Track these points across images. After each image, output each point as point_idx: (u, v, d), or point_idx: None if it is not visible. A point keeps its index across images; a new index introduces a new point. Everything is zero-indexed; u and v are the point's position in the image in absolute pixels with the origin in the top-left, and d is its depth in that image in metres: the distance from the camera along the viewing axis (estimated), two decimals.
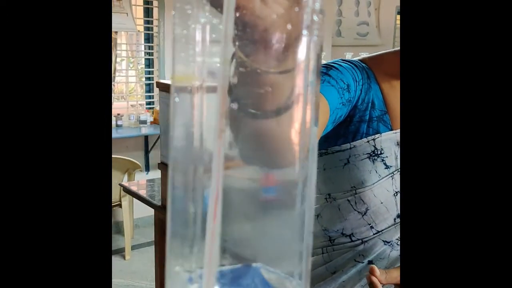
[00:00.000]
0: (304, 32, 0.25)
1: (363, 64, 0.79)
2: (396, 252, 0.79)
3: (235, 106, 0.28)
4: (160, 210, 2.05)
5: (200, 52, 0.28)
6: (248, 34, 0.29)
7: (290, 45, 0.27)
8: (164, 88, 1.93)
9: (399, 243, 0.78)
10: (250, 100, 0.31)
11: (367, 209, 0.77)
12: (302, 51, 0.26)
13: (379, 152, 0.77)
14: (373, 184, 0.76)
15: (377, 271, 0.68)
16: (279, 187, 0.31)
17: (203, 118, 0.27)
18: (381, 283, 0.68)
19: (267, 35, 0.28)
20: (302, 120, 0.27)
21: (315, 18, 0.25)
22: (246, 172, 0.32)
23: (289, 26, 0.27)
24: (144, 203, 2.12)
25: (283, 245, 0.29)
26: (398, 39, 5.23)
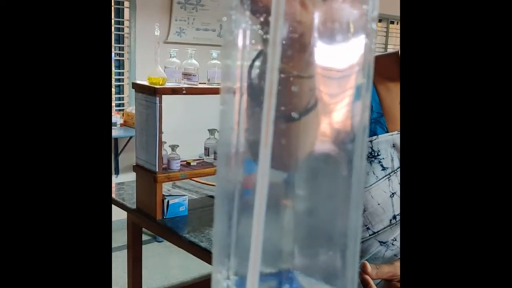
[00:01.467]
0: (366, 40, 0.25)
1: None
2: (390, 252, 0.80)
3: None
4: (134, 213, 2.01)
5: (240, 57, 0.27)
6: (287, 39, 0.28)
7: (316, 50, 0.27)
8: (141, 90, 1.90)
9: (394, 243, 0.80)
10: (283, 104, 0.30)
11: (364, 211, 0.78)
12: (359, 55, 0.26)
13: (376, 154, 0.78)
14: (371, 185, 0.77)
15: (369, 267, 0.69)
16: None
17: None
18: (372, 278, 0.69)
19: (304, 40, 0.27)
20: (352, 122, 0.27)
21: (374, 26, 0.26)
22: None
23: (321, 32, 0.27)
24: (117, 206, 2.08)
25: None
26: (378, 45, 5.32)
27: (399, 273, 0.71)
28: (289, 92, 0.28)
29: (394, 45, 5.49)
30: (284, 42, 0.27)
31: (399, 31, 5.60)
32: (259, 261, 0.22)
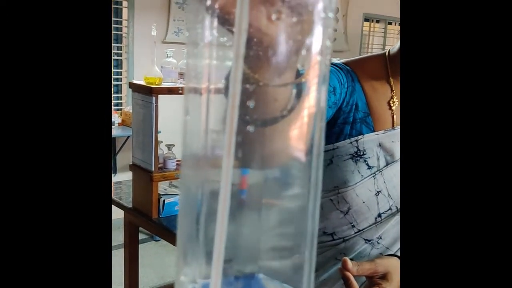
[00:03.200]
0: (318, 57, 0.26)
1: (347, 67, 0.81)
2: (376, 250, 0.81)
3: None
4: (131, 212, 2.03)
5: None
6: (253, 49, 0.29)
7: (292, 60, 0.28)
8: (137, 89, 1.91)
9: (379, 241, 0.81)
10: (250, 112, 0.31)
11: (349, 209, 0.79)
12: (314, 72, 0.27)
13: (361, 153, 0.79)
14: (356, 184, 0.78)
15: (350, 263, 0.69)
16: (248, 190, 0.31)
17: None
18: (353, 275, 0.69)
19: (271, 51, 0.28)
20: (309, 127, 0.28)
21: (328, 43, 0.26)
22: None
23: (291, 42, 0.28)
24: (114, 205, 2.09)
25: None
26: (364, 45, 5.34)
27: (380, 270, 0.71)
28: (253, 102, 0.29)
29: (392, 46, 5.49)
30: (250, 52, 0.28)
31: (396, 32, 5.60)
32: (222, 264, 0.23)
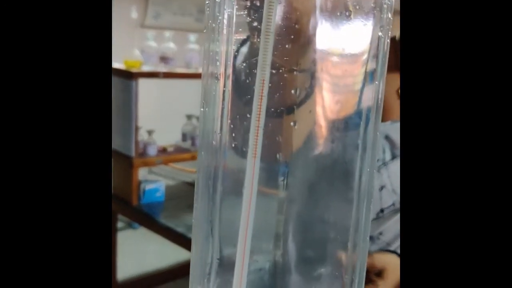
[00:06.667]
0: (380, 33, 0.25)
1: None
2: (376, 246, 0.79)
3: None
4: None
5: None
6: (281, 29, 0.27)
7: (309, 44, 0.26)
8: (117, 73, 1.86)
9: (380, 237, 0.79)
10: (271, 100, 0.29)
11: None
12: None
13: None
14: None
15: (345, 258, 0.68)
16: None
17: None
18: None
19: (297, 31, 0.26)
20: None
21: (390, 16, 0.25)
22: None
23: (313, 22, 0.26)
24: None
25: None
26: None
27: (377, 265, 0.70)
28: (282, 88, 0.27)
29: None
30: (277, 33, 0.26)
31: (397, 23, 5.61)
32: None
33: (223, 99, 0.25)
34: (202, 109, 0.25)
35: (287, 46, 0.25)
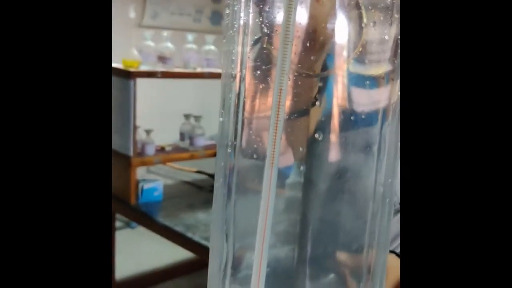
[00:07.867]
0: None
1: None
2: None
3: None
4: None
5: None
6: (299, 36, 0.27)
7: (325, 48, 0.26)
8: (115, 73, 1.87)
9: None
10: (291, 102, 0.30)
11: None
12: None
13: None
14: None
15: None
16: None
17: None
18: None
19: (314, 37, 0.26)
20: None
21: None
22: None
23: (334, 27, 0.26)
24: None
25: None
26: None
27: None
28: (298, 92, 0.27)
29: None
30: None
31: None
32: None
33: (238, 103, 0.26)
34: (220, 119, 0.26)
35: (303, 53, 0.26)
